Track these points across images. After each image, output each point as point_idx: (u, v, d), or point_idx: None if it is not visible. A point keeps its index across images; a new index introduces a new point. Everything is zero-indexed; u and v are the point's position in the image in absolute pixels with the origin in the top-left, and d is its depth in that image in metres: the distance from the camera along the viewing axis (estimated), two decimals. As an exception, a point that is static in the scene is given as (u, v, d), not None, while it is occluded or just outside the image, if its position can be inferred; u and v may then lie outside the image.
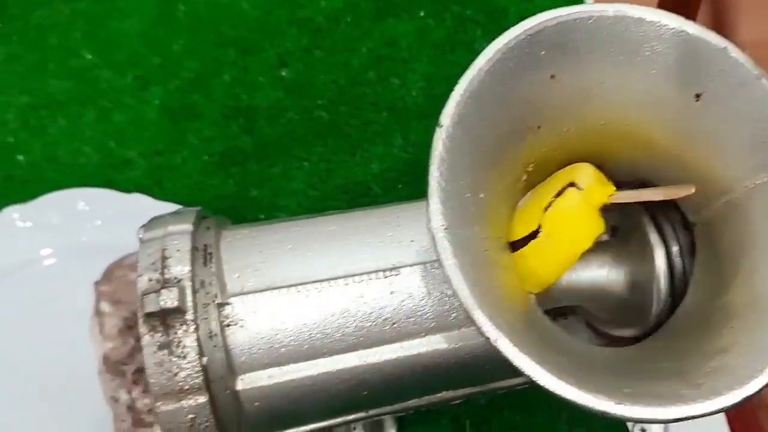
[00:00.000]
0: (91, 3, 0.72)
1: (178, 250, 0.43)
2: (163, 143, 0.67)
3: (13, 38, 0.71)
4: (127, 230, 0.62)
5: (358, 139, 0.66)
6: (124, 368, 0.58)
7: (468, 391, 0.47)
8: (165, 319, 0.41)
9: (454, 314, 0.44)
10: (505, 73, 0.40)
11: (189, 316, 0.41)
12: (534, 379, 0.35)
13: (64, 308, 0.60)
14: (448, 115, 0.39)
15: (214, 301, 0.43)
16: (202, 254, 0.44)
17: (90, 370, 0.58)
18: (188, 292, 0.42)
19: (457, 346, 0.44)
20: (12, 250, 0.62)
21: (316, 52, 0.69)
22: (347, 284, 0.43)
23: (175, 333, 0.41)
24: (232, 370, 0.42)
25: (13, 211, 0.62)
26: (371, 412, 0.46)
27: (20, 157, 0.67)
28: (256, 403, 0.43)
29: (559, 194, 0.42)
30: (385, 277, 0.44)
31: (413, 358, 0.44)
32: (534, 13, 0.69)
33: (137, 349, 0.58)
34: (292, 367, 0.43)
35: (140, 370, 0.57)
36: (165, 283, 0.42)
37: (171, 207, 0.61)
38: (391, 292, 0.43)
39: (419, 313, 0.43)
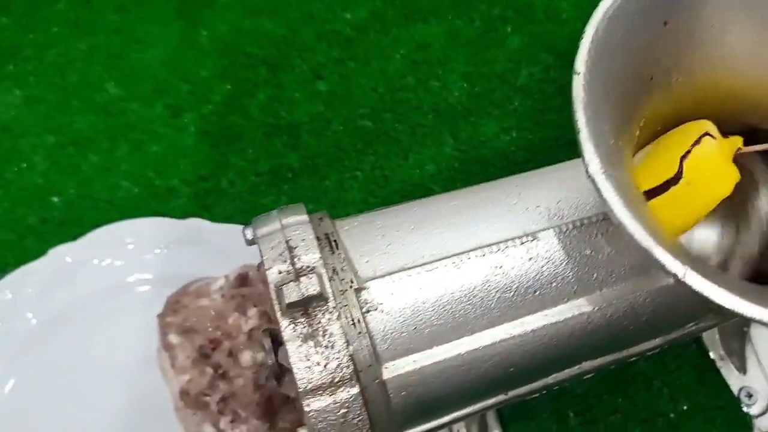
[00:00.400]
0: (108, 36, 0.70)
1: (303, 240, 0.41)
2: (206, 168, 0.64)
3: (29, 80, 0.68)
4: (184, 257, 0.59)
5: (408, 143, 0.64)
6: (206, 399, 0.54)
7: (605, 360, 0.45)
8: (306, 309, 0.38)
9: (595, 274, 0.42)
10: (623, 18, 0.40)
11: (331, 303, 0.39)
12: (734, 308, 0.33)
13: (124, 348, 0.56)
14: (581, 62, 0.38)
15: (351, 287, 0.40)
16: (327, 243, 0.41)
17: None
18: (325, 279, 0.39)
19: (600, 307, 0.42)
20: (67, 290, 0.58)
21: (349, 63, 0.68)
22: (484, 255, 0.42)
23: (318, 322, 0.38)
24: (377, 359, 0.39)
25: (62, 251, 0.58)
26: (511, 393, 0.44)
27: (54, 199, 0.63)
28: (403, 393, 0.40)
29: (695, 144, 0.41)
30: (522, 244, 0.42)
31: (558, 326, 0.42)
32: (560, 6, 0.70)
33: (218, 377, 0.54)
34: (436, 349, 0.41)
35: (225, 399, 0.54)
36: (299, 273, 0.39)
37: (231, 228, 0.59)
38: (530, 259, 0.42)
39: (560, 278, 0.42)
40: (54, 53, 0.69)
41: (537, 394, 0.46)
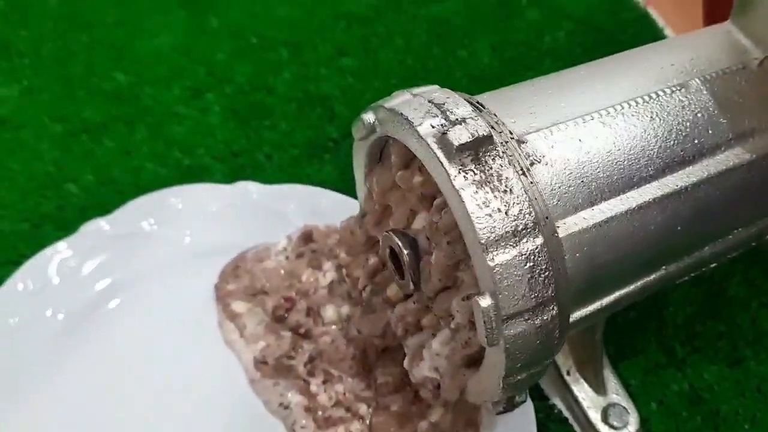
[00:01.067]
0: (110, 29, 0.65)
1: (448, 98, 0.37)
2: (238, 144, 0.59)
3: (26, 72, 0.62)
4: (236, 224, 0.53)
5: (448, 106, 0.62)
6: (290, 363, 0.47)
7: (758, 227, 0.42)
8: (477, 153, 0.34)
9: (747, 121, 0.40)
10: None
11: (500, 148, 0.35)
12: None
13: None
14: None
15: (512, 138, 0.36)
16: (471, 104, 0.37)
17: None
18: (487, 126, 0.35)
19: (757, 156, 0.40)
20: (108, 266, 0.50)
21: (373, 40, 0.66)
22: (637, 105, 0.39)
23: (490, 168, 0.34)
24: (548, 215, 0.35)
25: (101, 223, 0.51)
26: (670, 268, 0.40)
27: (71, 186, 0.57)
28: (577, 254, 0.36)
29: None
30: (672, 93, 0.39)
31: (720, 178, 0.39)
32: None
33: (300, 338, 0.48)
34: (604, 205, 0.37)
35: (312, 360, 0.47)
36: (454, 124, 0.35)
37: (284, 189, 0.53)
38: (683, 107, 0.39)
39: (716, 125, 0.40)
40: (52, 47, 0.64)
41: (687, 277, 0.43)
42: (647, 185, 0.38)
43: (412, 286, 0.40)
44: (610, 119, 0.38)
